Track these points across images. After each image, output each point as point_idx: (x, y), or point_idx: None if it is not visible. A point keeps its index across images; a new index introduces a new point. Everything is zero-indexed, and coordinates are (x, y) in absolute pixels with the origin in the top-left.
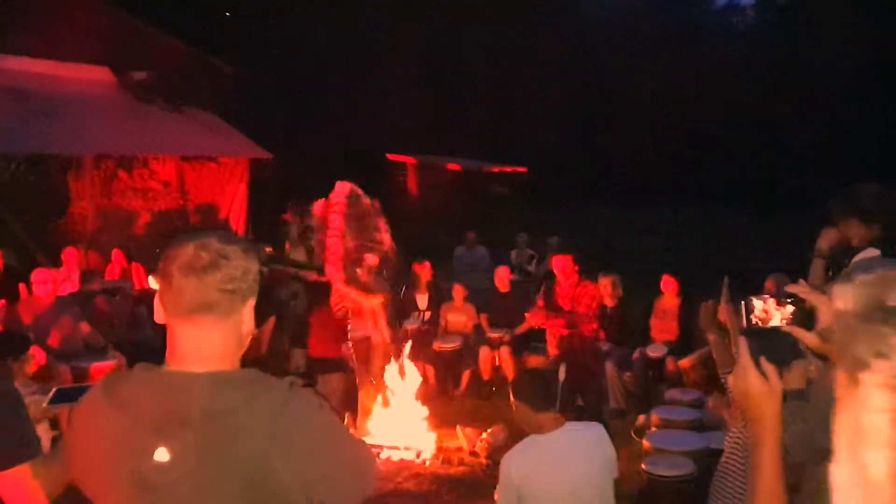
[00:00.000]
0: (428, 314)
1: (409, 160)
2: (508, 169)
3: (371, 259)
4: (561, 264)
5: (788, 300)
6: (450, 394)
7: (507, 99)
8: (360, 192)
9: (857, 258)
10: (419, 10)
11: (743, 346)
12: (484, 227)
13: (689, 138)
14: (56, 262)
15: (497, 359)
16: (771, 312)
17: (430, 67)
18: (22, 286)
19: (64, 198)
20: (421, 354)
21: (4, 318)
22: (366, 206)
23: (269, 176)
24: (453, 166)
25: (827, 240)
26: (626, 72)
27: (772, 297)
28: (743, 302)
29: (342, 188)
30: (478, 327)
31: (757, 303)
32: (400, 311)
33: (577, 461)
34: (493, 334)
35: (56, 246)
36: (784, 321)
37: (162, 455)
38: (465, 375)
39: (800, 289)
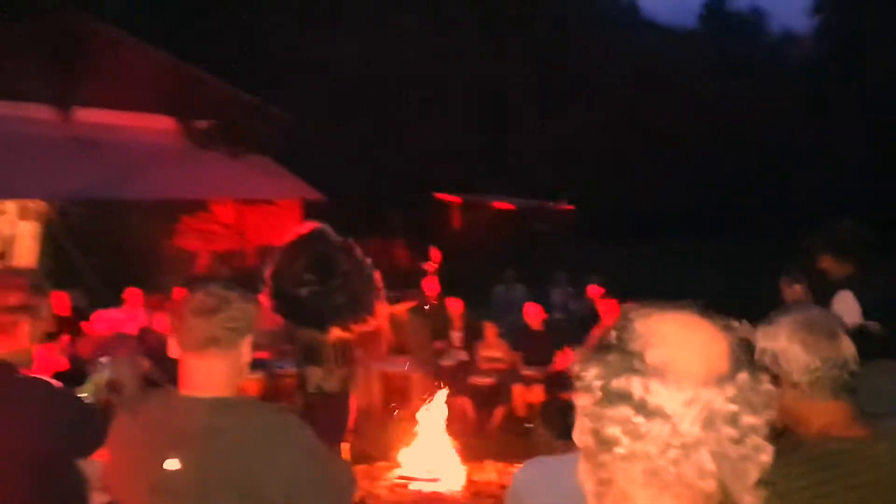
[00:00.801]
0: (462, 351)
1: (454, 199)
2: (553, 206)
3: None
4: (607, 306)
5: None
6: (483, 429)
7: (553, 135)
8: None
9: (834, 298)
10: (466, 52)
11: None
12: (526, 264)
13: (742, 172)
14: (120, 302)
15: (530, 396)
16: None
17: (476, 106)
18: (85, 324)
19: (129, 240)
20: (457, 389)
21: (67, 353)
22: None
23: (321, 217)
24: (498, 204)
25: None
26: (675, 105)
27: None
28: None
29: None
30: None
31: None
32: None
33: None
34: (527, 372)
35: (120, 286)
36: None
37: (172, 465)
38: (499, 412)
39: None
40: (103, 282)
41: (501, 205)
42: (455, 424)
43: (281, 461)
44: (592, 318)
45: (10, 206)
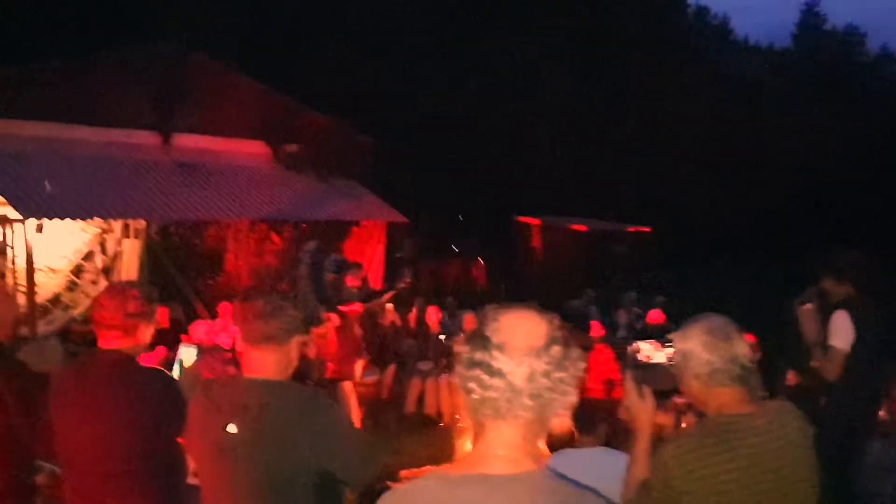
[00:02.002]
0: None
1: (534, 221)
2: (632, 229)
3: None
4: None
5: (667, 343)
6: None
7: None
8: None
9: (832, 317)
10: (553, 74)
11: (629, 378)
12: (603, 285)
13: (836, 193)
14: (214, 315)
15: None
16: (654, 353)
17: (563, 129)
18: (183, 336)
19: (222, 257)
20: None
21: (164, 363)
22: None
23: (404, 238)
24: (577, 227)
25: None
26: (767, 126)
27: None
28: (631, 346)
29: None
30: None
31: (643, 345)
32: None
33: (584, 472)
34: None
35: (214, 300)
36: (667, 358)
37: (231, 429)
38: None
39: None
40: (199, 296)
41: (580, 227)
42: None
43: (313, 429)
44: (652, 338)
45: (116, 225)
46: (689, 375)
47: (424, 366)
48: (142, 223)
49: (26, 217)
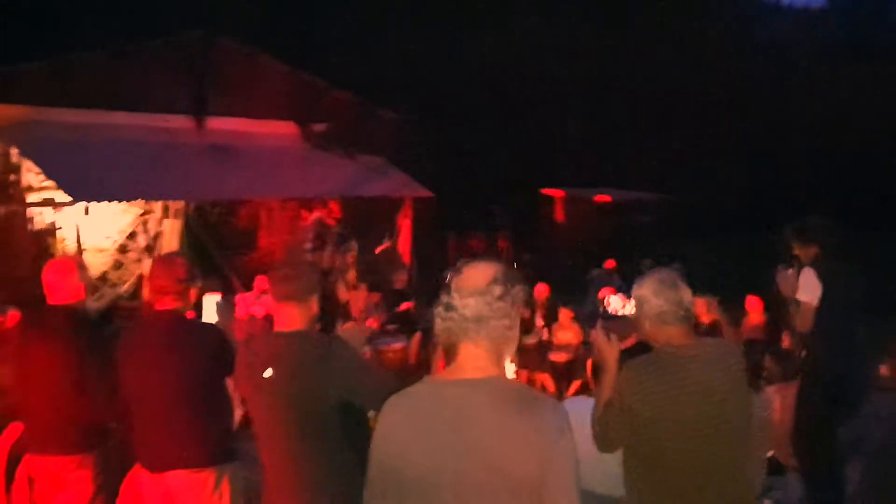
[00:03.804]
0: (545, 331)
1: (557, 193)
2: (655, 197)
3: None
4: None
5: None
6: (561, 399)
7: (666, 125)
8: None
9: (801, 274)
10: (576, 45)
11: (600, 326)
12: (626, 255)
13: (868, 161)
14: (249, 287)
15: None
16: (620, 306)
17: (583, 99)
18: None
19: (255, 234)
20: (536, 365)
21: None
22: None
23: (430, 212)
24: (601, 198)
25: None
26: (791, 93)
27: (621, 294)
28: (603, 298)
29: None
30: (587, 343)
31: (612, 299)
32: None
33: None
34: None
35: (249, 274)
36: (631, 310)
37: (268, 373)
38: (575, 384)
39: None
40: (236, 271)
41: (604, 198)
42: None
43: (332, 370)
44: None
45: (156, 206)
46: (643, 317)
47: None
48: (180, 204)
49: (76, 200)
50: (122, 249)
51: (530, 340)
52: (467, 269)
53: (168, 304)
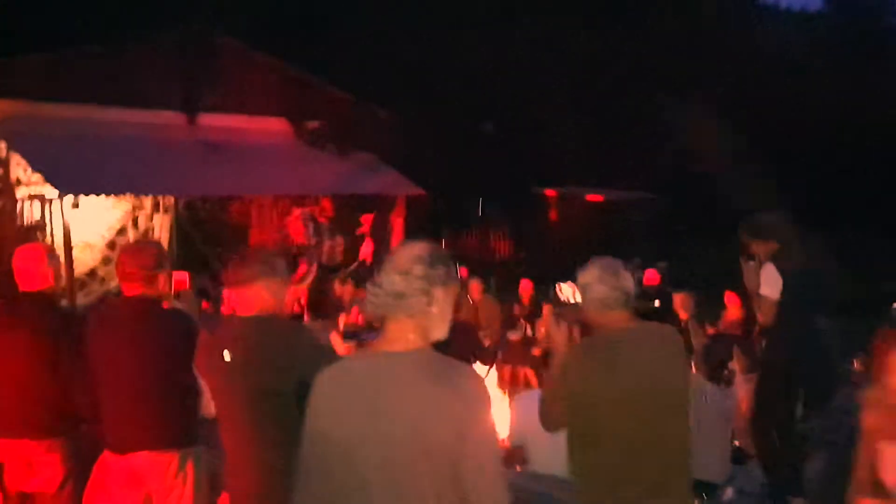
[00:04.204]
0: (528, 326)
1: (549, 192)
2: (646, 197)
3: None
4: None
5: None
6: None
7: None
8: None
9: (762, 271)
10: (573, 45)
11: (550, 313)
12: (619, 254)
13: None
14: None
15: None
16: (571, 294)
17: (578, 99)
18: (205, 303)
19: (247, 231)
20: (519, 359)
21: None
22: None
23: (423, 210)
24: (594, 197)
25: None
26: (789, 93)
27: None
28: (556, 286)
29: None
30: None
31: (564, 288)
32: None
33: None
34: None
35: None
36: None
37: (227, 356)
38: None
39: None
40: (226, 267)
41: (596, 197)
42: (518, 390)
43: (292, 356)
44: (650, 298)
45: (146, 202)
46: (587, 302)
47: None
48: (170, 199)
49: (63, 195)
50: (112, 245)
51: (515, 335)
52: (398, 249)
53: (135, 290)
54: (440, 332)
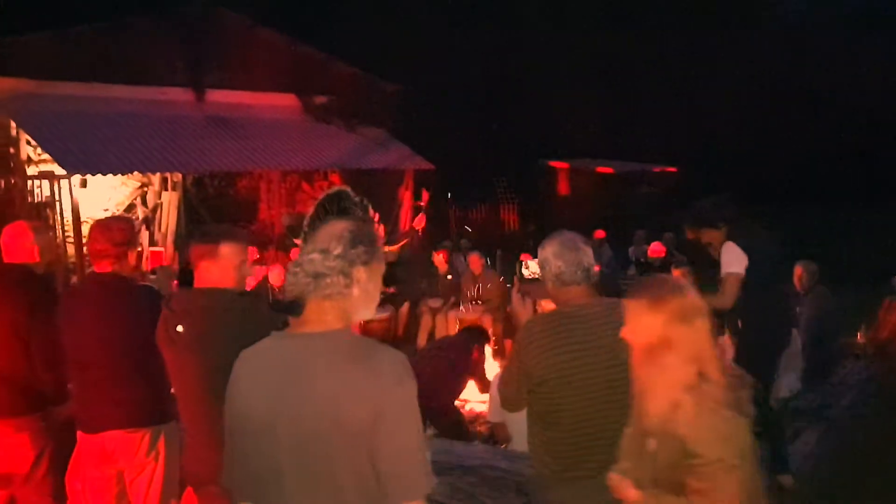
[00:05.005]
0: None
1: (561, 165)
2: (657, 169)
3: None
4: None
5: None
6: None
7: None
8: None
9: (723, 252)
10: (582, 17)
11: (515, 289)
12: (631, 227)
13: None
14: None
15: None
16: (537, 270)
17: (588, 71)
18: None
19: (256, 207)
20: None
21: None
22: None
23: (431, 184)
24: (604, 169)
25: None
26: (809, 64)
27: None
28: (521, 262)
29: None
30: None
31: (530, 263)
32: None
33: None
34: None
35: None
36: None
37: (180, 329)
38: None
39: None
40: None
41: (606, 169)
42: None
43: (245, 329)
44: (656, 269)
45: (155, 179)
46: (547, 278)
47: (434, 303)
48: (178, 176)
49: (71, 173)
50: None
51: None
52: (321, 227)
53: (106, 266)
54: (364, 313)
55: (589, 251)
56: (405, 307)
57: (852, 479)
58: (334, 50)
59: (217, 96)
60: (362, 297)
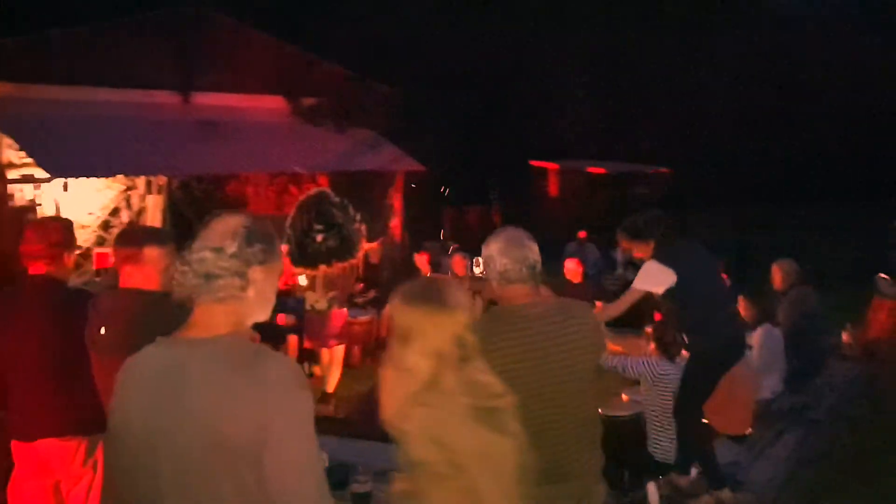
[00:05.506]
0: None
1: (551, 166)
2: (651, 170)
3: None
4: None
5: None
6: None
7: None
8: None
9: (642, 267)
10: (575, 16)
11: (466, 286)
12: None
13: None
14: None
15: None
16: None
17: (581, 71)
18: None
19: (243, 210)
20: None
21: None
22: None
23: (423, 186)
24: (595, 170)
25: None
26: (807, 63)
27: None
28: (474, 259)
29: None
30: None
31: (481, 261)
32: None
33: None
34: None
35: None
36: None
37: (102, 331)
38: None
39: None
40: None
41: (598, 170)
42: None
43: (167, 330)
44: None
45: (140, 182)
46: (491, 275)
47: None
48: (163, 179)
49: (54, 177)
50: (106, 226)
51: None
52: (212, 223)
53: (40, 268)
54: (258, 315)
55: (535, 248)
56: (387, 310)
57: (837, 481)
58: (324, 51)
59: (204, 99)
60: (258, 300)
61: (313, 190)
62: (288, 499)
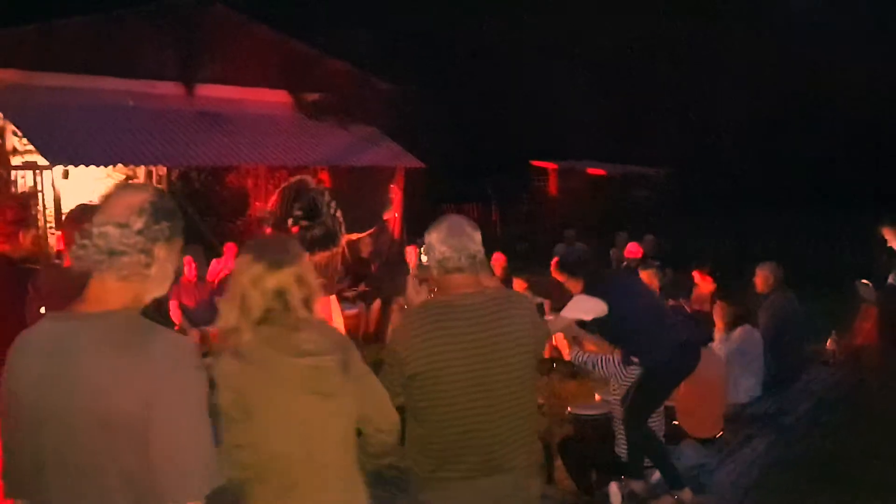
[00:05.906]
0: None
1: (550, 166)
2: (651, 171)
3: None
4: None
5: None
6: None
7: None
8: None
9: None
10: (578, 17)
11: (411, 278)
12: (620, 229)
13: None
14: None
15: (553, 340)
16: None
17: (583, 72)
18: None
19: (242, 202)
20: None
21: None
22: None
23: (422, 182)
24: (595, 171)
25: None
26: (819, 66)
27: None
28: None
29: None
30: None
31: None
32: None
33: None
34: (549, 317)
35: (236, 242)
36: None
37: (42, 310)
38: None
39: None
40: (222, 239)
41: (598, 171)
42: None
43: None
44: (632, 271)
45: (140, 171)
46: (431, 264)
47: (404, 301)
48: (164, 169)
49: (54, 164)
50: None
51: None
52: (114, 197)
53: None
54: (156, 292)
55: (477, 237)
56: (376, 304)
57: (804, 487)
58: (327, 46)
59: (207, 91)
60: (159, 277)
61: (294, 178)
62: (171, 476)
